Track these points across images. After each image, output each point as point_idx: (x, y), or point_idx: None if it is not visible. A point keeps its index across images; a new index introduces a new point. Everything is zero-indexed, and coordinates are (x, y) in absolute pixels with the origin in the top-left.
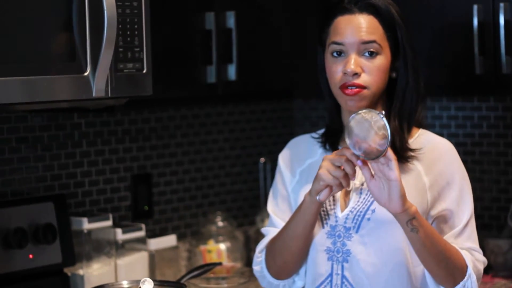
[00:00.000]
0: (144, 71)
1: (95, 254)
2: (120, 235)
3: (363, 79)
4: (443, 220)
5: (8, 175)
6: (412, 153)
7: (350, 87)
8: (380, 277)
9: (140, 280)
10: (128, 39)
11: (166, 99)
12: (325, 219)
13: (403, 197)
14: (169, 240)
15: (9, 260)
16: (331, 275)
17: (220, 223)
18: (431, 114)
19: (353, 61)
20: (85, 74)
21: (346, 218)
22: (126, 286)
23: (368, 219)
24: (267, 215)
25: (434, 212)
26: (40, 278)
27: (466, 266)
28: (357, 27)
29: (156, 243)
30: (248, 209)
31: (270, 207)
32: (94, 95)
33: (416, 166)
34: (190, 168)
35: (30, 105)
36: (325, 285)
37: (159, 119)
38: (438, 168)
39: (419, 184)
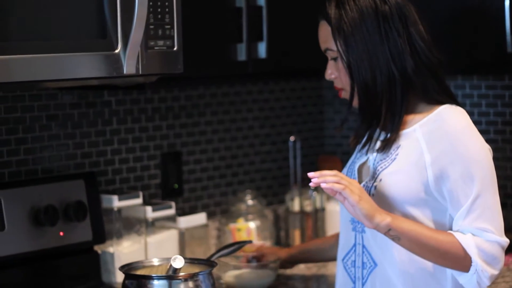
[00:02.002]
0: (175, 49)
1: (125, 232)
2: (150, 213)
3: (338, 82)
4: (450, 199)
5: (38, 152)
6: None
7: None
8: (390, 248)
9: (170, 258)
10: (159, 16)
11: (196, 77)
12: None
13: (368, 216)
14: (199, 218)
15: (40, 237)
16: (355, 245)
17: (250, 202)
18: (462, 92)
19: (327, 68)
20: (116, 51)
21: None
22: (157, 263)
23: (373, 194)
24: (297, 193)
25: (439, 190)
26: (70, 255)
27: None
28: (318, 35)
29: (186, 221)
30: (277, 188)
31: None
32: (125, 72)
33: (420, 142)
34: (219, 147)
35: (60, 83)
36: (351, 255)
37: (189, 97)
38: (441, 146)
39: (419, 161)
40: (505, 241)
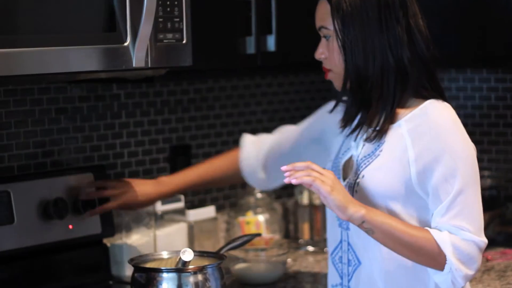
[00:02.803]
0: (184, 42)
1: (135, 225)
2: (159, 206)
3: (327, 63)
4: (432, 197)
5: (47, 146)
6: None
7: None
8: (372, 246)
9: (180, 251)
10: (168, 9)
11: (205, 70)
12: None
13: (341, 207)
14: (208, 212)
15: (49, 230)
16: (341, 241)
17: (259, 195)
18: (471, 85)
19: (318, 47)
20: (125, 44)
21: (346, 188)
22: (166, 256)
23: (356, 191)
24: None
25: (423, 187)
26: (79, 248)
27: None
28: (316, 13)
29: (195, 215)
30: None
31: None
32: (134, 65)
33: (405, 138)
34: (228, 140)
35: (69, 76)
36: (338, 251)
37: (198, 90)
38: (425, 142)
39: (403, 157)
40: (483, 241)
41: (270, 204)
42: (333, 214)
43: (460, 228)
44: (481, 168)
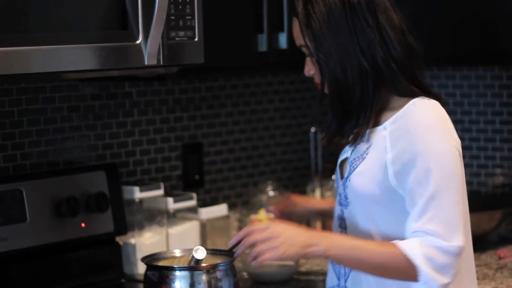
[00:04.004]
0: (196, 39)
1: (147, 223)
2: (172, 204)
3: (317, 77)
4: (408, 199)
5: (59, 144)
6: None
7: None
8: None
9: (192, 249)
10: (180, 7)
11: (217, 67)
12: (338, 186)
13: (299, 255)
14: (220, 210)
15: (61, 228)
16: None
17: (271, 193)
18: (483, 83)
19: (305, 66)
20: (137, 42)
21: (343, 187)
22: (179, 254)
23: (347, 193)
24: (318, 185)
25: (403, 188)
26: (92, 246)
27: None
28: (293, 33)
29: (207, 213)
30: (298, 179)
31: None
32: (146, 63)
33: (386, 141)
34: (240, 138)
35: (81, 74)
36: None
37: (210, 88)
38: (402, 143)
39: (381, 160)
40: (457, 246)
41: None
42: (334, 215)
43: (434, 234)
44: (493, 166)
